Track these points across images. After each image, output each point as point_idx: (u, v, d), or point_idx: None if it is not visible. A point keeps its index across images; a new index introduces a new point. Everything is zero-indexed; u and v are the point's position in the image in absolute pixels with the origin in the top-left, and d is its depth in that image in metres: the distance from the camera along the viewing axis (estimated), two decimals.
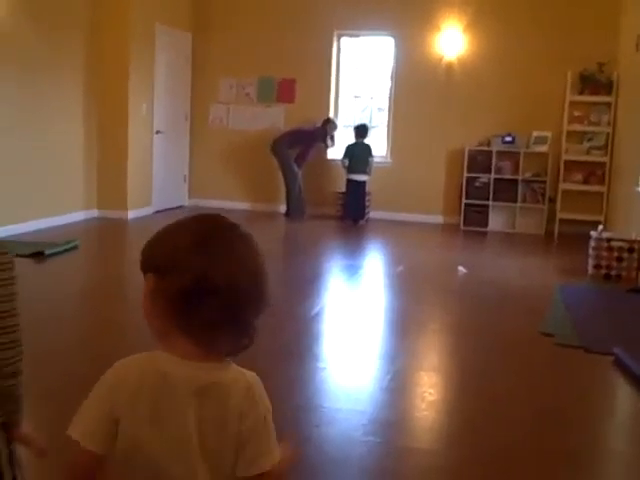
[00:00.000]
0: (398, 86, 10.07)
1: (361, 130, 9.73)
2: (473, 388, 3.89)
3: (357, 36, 10.40)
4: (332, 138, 9.97)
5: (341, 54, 10.47)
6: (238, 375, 1.31)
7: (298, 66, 10.25)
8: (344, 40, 10.43)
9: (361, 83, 10.71)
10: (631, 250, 6.74)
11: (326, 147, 9.96)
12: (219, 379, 1.29)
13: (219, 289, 1.24)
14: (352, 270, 7.01)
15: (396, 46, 10.03)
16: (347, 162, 9.56)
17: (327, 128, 9.81)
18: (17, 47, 7.65)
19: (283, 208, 10.04)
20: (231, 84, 10.55)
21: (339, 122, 10.37)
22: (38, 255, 6.58)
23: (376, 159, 9.76)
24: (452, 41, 9.71)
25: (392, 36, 10.04)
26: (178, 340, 1.28)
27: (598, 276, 6.78)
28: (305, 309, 5.32)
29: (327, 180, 10.29)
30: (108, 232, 8.56)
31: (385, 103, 10.33)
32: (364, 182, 9.60)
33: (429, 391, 3.77)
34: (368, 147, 9.66)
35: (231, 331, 1.28)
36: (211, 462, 1.29)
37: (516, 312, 5.50)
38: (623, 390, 4.10)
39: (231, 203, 10.19)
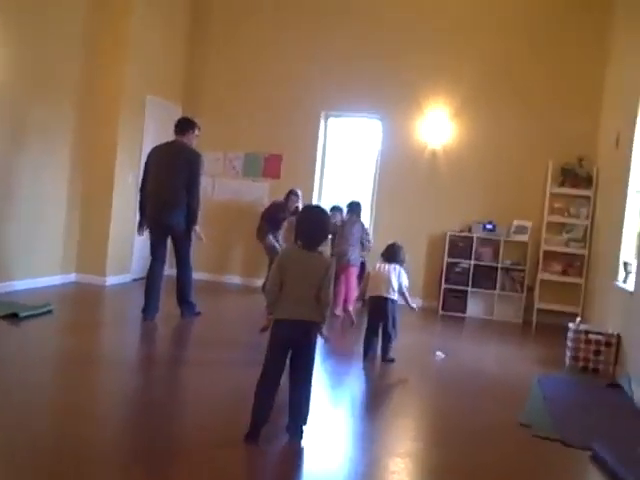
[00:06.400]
0: (383, 168, 10.22)
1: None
2: (448, 478, 3.80)
3: (344, 117, 10.60)
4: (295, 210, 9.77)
5: (328, 133, 10.65)
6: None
7: (285, 143, 10.41)
8: (331, 120, 10.62)
9: (347, 162, 10.81)
10: (608, 344, 6.78)
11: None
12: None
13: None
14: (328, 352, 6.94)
15: (383, 129, 10.22)
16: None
17: (289, 200, 9.74)
18: (11, 110, 7.70)
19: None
20: (218, 157, 10.66)
21: (324, 200, 10.43)
22: (12, 317, 6.50)
23: None
24: (438, 127, 9.93)
25: (379, 119, 10.24)
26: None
27: (575, 368, 6.79)
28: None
29: None
30: (84, 297, 8.44)
31: (370, 184, 10.43)
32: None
33: (405, 479, 3.68)
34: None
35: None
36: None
37: (493, 401, 5.45)
38: None
39: (212, 275, 10.19)
